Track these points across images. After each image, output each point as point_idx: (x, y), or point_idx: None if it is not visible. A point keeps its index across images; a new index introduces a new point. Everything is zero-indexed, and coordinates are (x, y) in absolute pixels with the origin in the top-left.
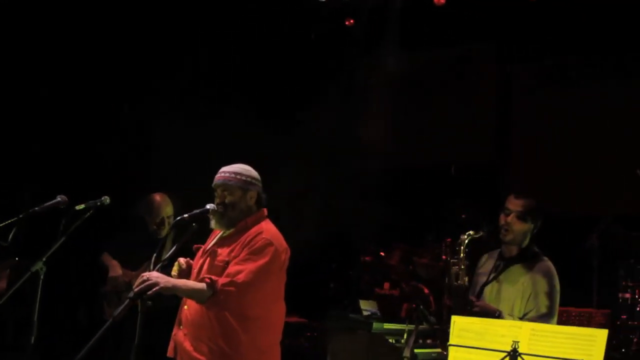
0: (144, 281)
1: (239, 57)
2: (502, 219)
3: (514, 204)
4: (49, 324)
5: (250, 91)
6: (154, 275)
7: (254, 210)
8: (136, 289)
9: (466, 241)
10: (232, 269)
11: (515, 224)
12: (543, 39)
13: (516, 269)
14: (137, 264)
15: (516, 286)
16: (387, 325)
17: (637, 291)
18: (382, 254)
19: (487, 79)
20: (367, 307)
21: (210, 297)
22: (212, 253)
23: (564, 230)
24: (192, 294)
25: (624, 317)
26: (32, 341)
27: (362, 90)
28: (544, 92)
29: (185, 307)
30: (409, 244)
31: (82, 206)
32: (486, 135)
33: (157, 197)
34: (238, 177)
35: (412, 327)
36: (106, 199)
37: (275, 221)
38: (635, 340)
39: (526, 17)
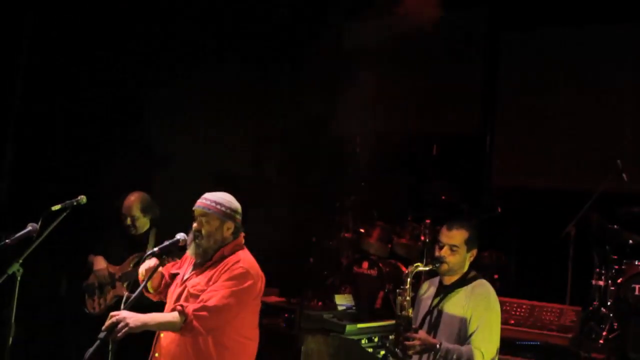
0: (113, 322)
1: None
2: (436, 251)
3: (447, 237)
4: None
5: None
6: (123, 315)
7: (230, 240)
8: (105, 330)
9: (413, 273)
10: (205, 295)
11: (449, 256)
12: (534, 8)
13: (456, 295)
14: (117, 258)
15: (458, 311)
16: (360, 325)
17: (609, 282)
18: (362, 230)
19: (474, 48)
20: (342, 301)
21: (183, 325)
22: (189, 282)
23: (549, 205)
24: (163, 326)
25: (596, 303)
26: (10, 342)
27: (343, 60)
28: (533, 64)
29: (162, 335)
30: (388, 222)
31: (58, 206)
32: (472, 106)
33: (131, 197)
34: (218, 207)
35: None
36: (83, 199)
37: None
38: (604, 333)
39: None
